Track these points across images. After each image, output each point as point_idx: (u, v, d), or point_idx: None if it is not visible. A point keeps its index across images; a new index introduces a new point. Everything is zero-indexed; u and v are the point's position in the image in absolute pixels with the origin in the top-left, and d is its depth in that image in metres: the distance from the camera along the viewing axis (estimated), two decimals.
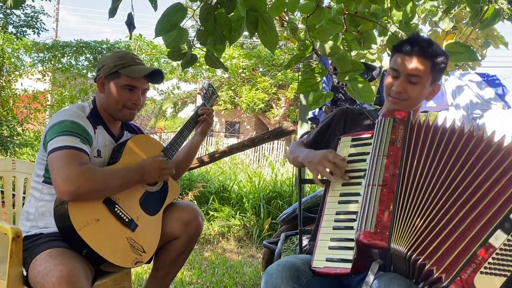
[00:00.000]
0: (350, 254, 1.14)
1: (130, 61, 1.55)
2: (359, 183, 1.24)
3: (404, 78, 1.35)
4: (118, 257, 1.39)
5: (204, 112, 1.76)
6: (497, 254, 0.99)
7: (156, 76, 1.60)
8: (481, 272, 0.97)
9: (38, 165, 1.52)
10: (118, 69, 1.53)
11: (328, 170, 1.27)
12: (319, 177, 1.31)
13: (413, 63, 1.33)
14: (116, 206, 1.45)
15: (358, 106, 3.21)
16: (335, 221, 1.22)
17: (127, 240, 1.44)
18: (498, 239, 1.01)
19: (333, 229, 1.21)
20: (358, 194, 1.21)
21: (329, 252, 1.18)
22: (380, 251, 1.07)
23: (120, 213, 1.45)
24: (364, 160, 1.26)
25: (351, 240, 1.15)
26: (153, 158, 1.56)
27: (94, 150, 1.51)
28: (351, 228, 1.17)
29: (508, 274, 0.97)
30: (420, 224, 1.07)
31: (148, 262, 1.62)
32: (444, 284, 0.99)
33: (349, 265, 1.12)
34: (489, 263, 0.98)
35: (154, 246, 1.53)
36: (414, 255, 1.05)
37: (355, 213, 1.19)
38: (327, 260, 1.17)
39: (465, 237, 1.03)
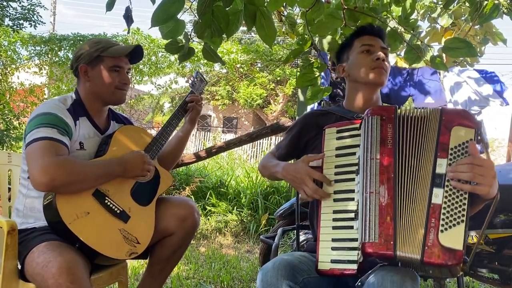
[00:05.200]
0: (354, 255, 1.13)
1: (108, 43, 1.56)
2: (352, 179, 1.21)
3: (380, 49, 1.44)
4: (111, 249, 1.39)
5: (192, 99, 1.75)
6: (444, 208, 1.03)
7: (137, 55, 1.61)
8: (442, 231, 1.01)
9: (23, 160, 1.49)
10: (99, 53, 1.53)
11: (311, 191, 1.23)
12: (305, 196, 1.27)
13: (378, 39, 1.47)
14: (106, 198, 1.44)
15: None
16: (334, 220, 1.21)
17: (119, 232, 1.43)
18: (438, 196, 1.04)
19: (333, 228, 1.20)
20: (352, 191, 1.20)
21: (333, 253, 1.17)
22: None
23: (111, 205, 1.44)
24: (353, 154, 1.22)
25: (354, 240, 1.15)
26: (137, 152, 1.55)
27: (76, 143, 1.48)
28: (351, 227, 1.16)
29: (464, 219, 1.01)
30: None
31: (144, 257, 1.62)
32: (418, 258, 1.02)
33: (354, 266, 1.12)
34: (443, 219, 1.02)
35: (149, 237, 1.52)
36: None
37: (353, 211, 1.17)
38: (332, 261, 1.16)
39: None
